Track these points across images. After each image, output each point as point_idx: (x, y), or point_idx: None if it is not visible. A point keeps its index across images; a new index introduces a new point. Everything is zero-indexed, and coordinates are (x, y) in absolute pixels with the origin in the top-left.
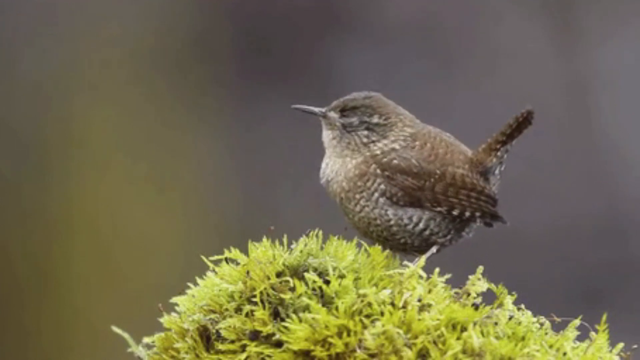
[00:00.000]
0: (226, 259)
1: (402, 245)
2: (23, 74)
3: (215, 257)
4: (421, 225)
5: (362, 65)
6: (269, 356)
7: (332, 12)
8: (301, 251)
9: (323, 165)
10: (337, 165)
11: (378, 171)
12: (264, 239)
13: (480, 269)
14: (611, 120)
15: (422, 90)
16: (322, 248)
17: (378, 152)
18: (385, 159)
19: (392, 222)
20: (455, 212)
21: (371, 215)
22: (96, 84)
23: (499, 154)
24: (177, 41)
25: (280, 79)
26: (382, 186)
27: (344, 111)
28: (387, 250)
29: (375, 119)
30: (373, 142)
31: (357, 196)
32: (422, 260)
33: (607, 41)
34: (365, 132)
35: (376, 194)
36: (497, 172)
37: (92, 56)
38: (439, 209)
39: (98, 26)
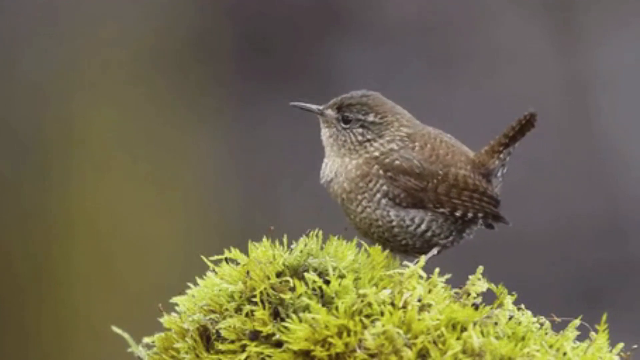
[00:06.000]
0: (226, 259)
1: (404, 246)
2: (23, 74)
3: (215, 257)
4: (423, 227)
5: (362, 65)
6: (269, 356)
7: (332, 12)
8: (301, 251)
9: (323, 165)
10: (336, 165)
11: (380, 172)
12: (264, 239)
13: (480, 269)
14: (611, 121)
15: (422, 90)
16: (322, 248)
17: (377, 152)
18: (387, 160)
19: (394, 223)
20: (457, 214)
21: (373, 217)
22: (96, 84)
23: (501, 156)
24: (177, 41)
25: (281, 79)
26: (385, 187)
27: (340, 109)
28: (387, 251)
29: (370, 117)
30: (368, 140)
31: (359, 197)
32: (422, 260)
33: (607, 41)
34: (360, 130)
35: (378, 195)
36: (499, 174)
37: (92, 56)
38: (441, 210)
39: (98, 26)
